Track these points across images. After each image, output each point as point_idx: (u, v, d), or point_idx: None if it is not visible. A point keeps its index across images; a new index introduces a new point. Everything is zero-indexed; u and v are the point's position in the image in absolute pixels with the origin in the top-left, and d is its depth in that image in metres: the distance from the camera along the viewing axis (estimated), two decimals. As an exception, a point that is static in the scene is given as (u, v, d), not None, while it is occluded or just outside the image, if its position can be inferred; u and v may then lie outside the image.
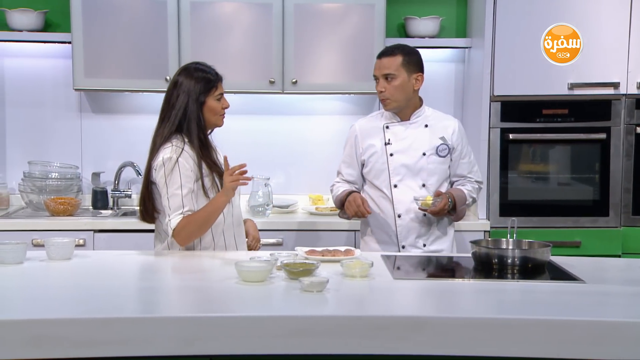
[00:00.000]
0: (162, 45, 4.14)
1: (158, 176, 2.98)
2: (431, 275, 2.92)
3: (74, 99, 4.48)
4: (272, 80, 4.20)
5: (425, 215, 3.33)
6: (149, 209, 3.07)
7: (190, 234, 2.95)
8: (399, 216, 3.37)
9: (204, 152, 3.02)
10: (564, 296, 2.45)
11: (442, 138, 3.37)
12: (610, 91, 4.13)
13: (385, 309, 2.36)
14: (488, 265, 2.81)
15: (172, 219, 2.94)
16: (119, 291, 2.50)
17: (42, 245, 2.93)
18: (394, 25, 4.54)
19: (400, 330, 2.13)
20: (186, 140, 3.01)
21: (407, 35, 4.47)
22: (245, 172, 2.95)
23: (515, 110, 4.17)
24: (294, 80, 4.21)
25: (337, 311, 2.30)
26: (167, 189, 2.95)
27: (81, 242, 3.88)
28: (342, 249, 2.96)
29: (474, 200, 3.46)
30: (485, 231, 4.10)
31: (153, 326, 2.11)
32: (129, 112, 4.44)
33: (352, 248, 3.00)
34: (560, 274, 2.74)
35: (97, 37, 4.13)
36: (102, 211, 4.33)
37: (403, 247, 3.38)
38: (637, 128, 4.15)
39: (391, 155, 3.37)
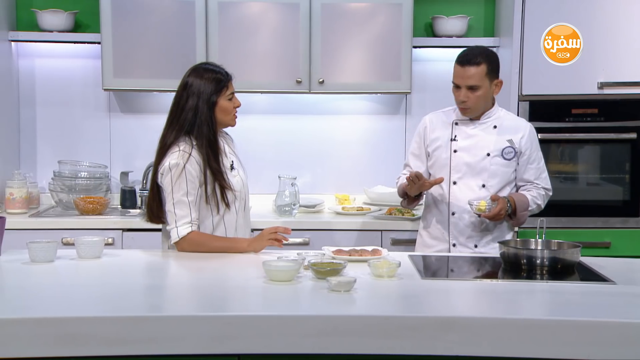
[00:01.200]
0: (190, 45, 4.16)
1: (165, 181, 2.99)
2: (459, 276, 2.90)
3: (103, 99, 4.52)
4: (299, 80, 4.21)
5: (479, 216, 3.28)
6: (155, 210, 3.08)
7: (194, 250, 2.97)
8: (453, 214, 3.34)
9: (212, 156, 2.99)
10: (594, 297, 2.43)
11: (510, 141, 3.31)
12: (641, 90, 4.08)
13: (413, 309, 2.36)
14: (516, 266, 2.79)
15: (180, 227, 2.95)
16: (148, 290, 2.52)
17: (72, 244, 2.96)
18: (422, 25, 4.52)
19: (430, 331, 2.12)
20: (194, 143, 2.99)
21: (434, 35, 4.45)
22: (287, 238, 2.97)
23: (544, 109, 4.13)
24: (320, 80, 4.21)
25: (365, 311, 2.29)
26: (172, 195, 2.96)
27: (110, 241, 3.91)
28: (370, 248, 2.95)
29: (539, 207, 3.36)
30: (513, 231, 4.06)
31: (182, 325, 2.12)
32: (157, 112, 4.46)
33: (380, 248, 2.99)
34: (590, 275, 2.71)
35: (126, 37, 4.16)
36: (131, 210, 4.36)
37: (454, 245, 3.35)
38: (668, 127, 4.11)
39: (455, 151, 3.34)
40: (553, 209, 4.12)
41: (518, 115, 4.11)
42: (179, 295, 2.50)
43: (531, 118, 4.12)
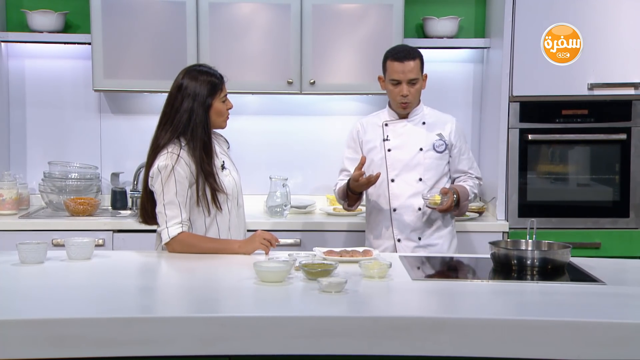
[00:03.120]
0: (181, 46, 4.16)
1: (155, 184, 2.99)
2: (450, 276, 2.91)
3: (93, 100, 4.51)
4: (290, 80, 4.21)
5: (419, 209, 3.40)
6: (149, 211, 3.08)
7: (185, 251, 2.97)
8: (395, 210, 3.44)
9: (205, 159, 3.00)
10: (584, 298, 2.44)
11: (440, 135, 3.45)
12: (630, 91, 4.09)
13: (404, 309, 2.36)
14: (507, 267, 2.80)
15: (170, 228, 2.95)
16: (139, 291, 2.52)
17: (62, 245, 2.95)
18: (412, 26, 4.53)
19: (420, 331, 2.13)
20: (183, 144, 2.99)
21: (425, 36, 4.46)
22: (274, 246, 2.98)
23: (534, 110, 4.14)
24: (311, 81, 4.21)
25: (356, 312, 2.30)
26: (163, 197, 2.96)
27: (100, 242, 3.90)
28: (361, 249, 2.96)
29: (476, 196, 3.54)
30: (504, 232, 4.08)
31: (173, 326, 2.12)
32: (148, 113, 4.46)
33: (371, 249, 2.99)
34: (580, 276, 2.72)
35: (116, 38, 4.15)
36: (121, 211, 4.35)
37: (399, 240, 3.44)
38: (658, 128, 4.13)
39: (389, 150, 3.46)
40: (543, 209, 4.15)
41: (508, 116, 4.14)
42: (170, 296, 2.50)
43: (521, 119, 4.13)
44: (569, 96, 4.12)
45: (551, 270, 2.76)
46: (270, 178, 4.21)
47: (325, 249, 2.92)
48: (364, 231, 4.02)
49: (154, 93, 4.32)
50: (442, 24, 4.38)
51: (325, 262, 2.67)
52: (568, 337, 2.12)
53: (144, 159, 4.48)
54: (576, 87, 4.10)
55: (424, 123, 3.48)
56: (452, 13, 4.45)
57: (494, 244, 2.90)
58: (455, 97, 4.55)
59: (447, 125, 3.49)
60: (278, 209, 4.15)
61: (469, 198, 3.45)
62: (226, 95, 3.09)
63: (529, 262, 2.77)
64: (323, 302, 2.31)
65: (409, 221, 3.43)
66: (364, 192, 3.49)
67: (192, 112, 3.00)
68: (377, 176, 3.27)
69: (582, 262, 2.91)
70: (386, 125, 3.49)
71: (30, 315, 2.15)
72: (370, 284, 2.54)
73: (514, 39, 4.09)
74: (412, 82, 3.37)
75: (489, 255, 2.90)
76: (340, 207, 4.33)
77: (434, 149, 3.44)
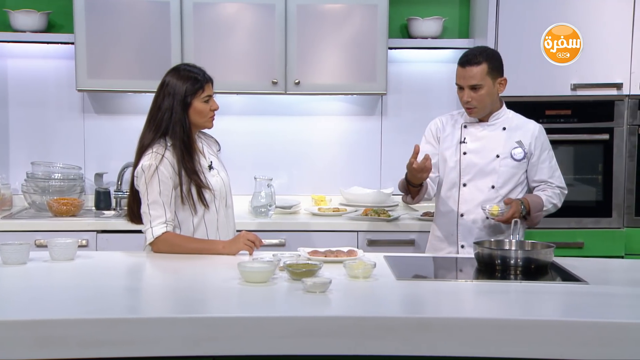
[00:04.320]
0: (165, 46, 4.14)
1: (140, 183, 2.99)
2: (434, 276, 2.92)
3: (76, 100, 4.49)
4: (275, 80, 4.21)
5: (488, 218, 3.28)
6: (135, 211, 3.08)
7: (169, 251, 2.96)
8: (462, 215, 3.34)
9: (186, 157, 2.99)
10: (567, 297, 2.45)
11: (519, 142, 3.32)
12: (613, 92, 4.12)
13: (388, 309, 2.36)
14: (491, 266, 2.81)
15: (155, 228, 2.94)
16: (123, 292, 2.50)
17: (45, 246, 2.93)
18: (397, 26, 4.54)
19: (404, 331, 2.13)
20: (168, 144, 2.99)
21: (409, 36, 4.47)
22: (258, 247, 2.97)
23: (518, 110, 4.13)
24: (296, 81, 4.21)
25: (340, 312, 2.30)
26: (147, 196, 2.96)
27: (84, 242, 3.88)
28: (345, 249, 2.96)
29: (555, 207, 3.37)
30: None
31: (157, 327, 2.11)
32: (131, 113, 4.44)
33: (355, 249, 2.99)
34: (564, 275, 2.74)
35: (100, 38, 4.13)
36: (105, 212, 4.33)
37: (462, 246, 3.35)
38: (640, 129, 4.16)
39: (464, 154, 3.34)
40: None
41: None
42: (155, 297, 2.49)
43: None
44: (552, 96, 4.14)
45: (535, 270, 2.77)
46: (255, 178, 4.20)
47: (310, 249, 2.92)
48: (348, 231, 4.04)
49: (138, 93, 4.30)
50: (427, 25, 4.39)
51: (309, 262, 2.67)
52: (551, 336, 2.13)
53: (128, 159, 4.49)
54: (559, 87, 4.12)
55: (504, 128, 3.34)
56: (437, 13, 4.47)
57: (478, 243, 2.91)
58: (439, 97, 4.56)
59: (529, 133, 3.33)
60: (263, 209, 4.14)
61: (545, 208, 3.29)
62: (210, 96, 3.07)
63: (512, 261, 2.78)
64: (307, 302, 2.31)
65: (475, 228, 3.33)
66: (427, 186, 3.32)
67: (172, 111, 3.00)
68: (427, 160, 3.08)
69: (565, 262, 2.93)
70: (465, 127, 3.37)
71: (13, 317, 2.13)
72: (355, 284, 2.54)
73: (498, 40, 4.11)
74: (474, 88, 3.23)
75: (473, 255, 2.91)
76: (325, 207, 4.35)
77: (512, 156, 3.30)
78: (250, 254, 2.96)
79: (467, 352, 2.14)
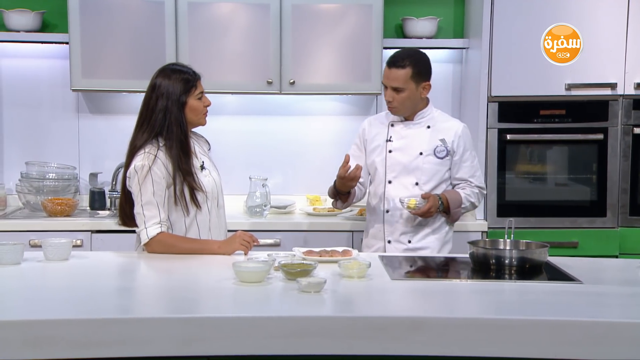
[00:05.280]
0: (160, 46, 4.14)
1: (133, 184, 2.98)
2: (429, 276, 2.92)
3: (71, 100, 4.48)
4: (270, 80, 4.20)
5: (411, 213, 3.35)
6: (128, 212, 3.07)
7: (164, 251, 2.96)
8: (387, 212, 3.42)
9: (183, 158, 2.99)
10: (561, 297, 2.46)
11: (442, 140, 3.38)
12: (607, 92, 4.13)
13: (382, 309, 2.36)
14: (486, 266, 2.81)
15: (149, 228, 2.94)
16: (117, 292, 2.50)
17: (40, 246, 2.92)
18: (392, 26, 4.54)
19: (398, 331, 2.13)
20: (161, 145, 2.99)
21: (404, 36, 4.47)
22: (252, 247, 2.97)
23: (512, 110, 4.17)
24: (291, 81, 4.21)
25: (335, 312, 2.30)
26: (140, 197, 2.95)
27: (78, 242, 3.87)
28: (340, 249, 2.96)
29: (474, 205, 3.45)
30: (482, 232, 4.10)
31: (150, 327, 2.11)
32: (126, 113, 4.43)
33: (350, 249, 3.00)
34: (558, 275, 2.74)
35: (94, 37, 4.12)
36: (100, 212, 4.32)
37: (389, 242, 3.42)
38: (635, 129, 4.16)
39: (390, 152, 3.41)
40: (521, 209, 4.18)
41: (487, 116, 4.16)
42: (148, 297, 2.49)
43: (500, 119, 4.16)
44: (547, 96, 4.15)
45: (529, 270, 2.78)
46: (250, 178, 4.20)
47: (305, 249, 2.92)
48: (343, 231, 4.04)
49: (133, 93, 4.29)
50: (422, 25, 4.39)
51: (304, 262, 2.67)
52: (545, 335, 2.13)
53: (122, 159, 4.45)
54: (554, 87, 4.13)
55: (428, 127, 3.40)
56: (431, 13, 4.47)
57: (472, 243, 2.92)
58: (434, 97, 4.48)
59: (452, 131, 3.40)
60: (258, 209, 4.14)
61: (463, 206, 3.37)
62: (202, 92, 3.08)
63: (507, 261, 2.78)
64: (302, 302, 2.31)
65: (400, 224, 3.40)
66: (355, 191, 3.45)
67: (167, 111, 2.99)
68: (358, 170, 3.24)
69: (560, 262, 2.93)
70: (392, 125, 3.45)
71: (6, 317, 2.13)
72: (350, 284, 2.54)
73: (493, 40, 4.12)
74: (396, 90, 3.29)
75: (467, 255, 2.91)
76: (320, 207, 4.35)
77: (435, 154, 3.37)
78: (246, 253, 2.95)
79: (461, 352, 2.14)
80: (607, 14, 4.11)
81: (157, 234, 2.94)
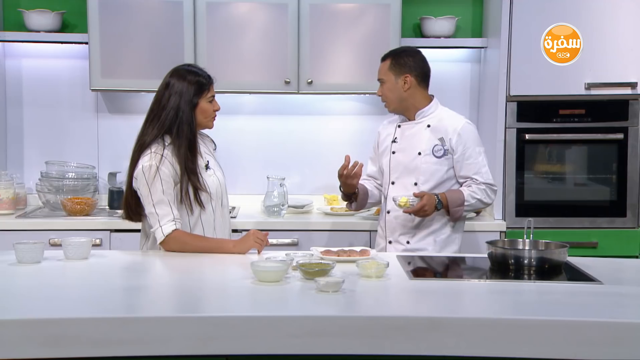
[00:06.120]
0: (178, 46, 4.15)
1: (140, 185, 2.99)
2: (447, 276, 2.91)
3: (90, 99, 4.50)
4: (288, 80, 4.21)
5: (410, 214, 3.33)
6: (133, 207, 3.08)
7: (180, 249, 2.97)
8: (388, 212, 3.44)
9: (190, 157, 3.01)
10: (581, 297, 2.44)
11: (441, 139, 3.38)
12: (627, 91, 4.10)
13: (401, 309, 2.36)
14: (504, 266, 2.80)
15: (164, 226, 2.95)
16: (136, 291, 2.51)
17: (59, 245, 2.94)
18: (410, 25, 4.53)
19: (417, 331, 2.13)
20: (167, 143, 3.01)
21: (422, 35, 4.46)
22: (267, 244, 3.01)
23: (531, 110, 4.15)
24: (309, 81, 4.21)
25: (353, 312, 2.30)
26: (151, 197, 2.96)
27: (98, 241, 3.90)
28: (358, 249, 2.96)
29: (482, 202, 3.38)
30: (501, 232, 4.08)
31: (169, 326, 2.12)
32: (145, 112, 4.40)
33: (368, 248, 2.99)
34: (578, 275, 2.72)
35: (113, 37, 4.15)
36: (119, 211, 4.31)
37: (390, 242, 3.45)
38: (655, 128, 4.13)
39: (393, 152, 3.45)
40: (540, 209, 4.16)
41: (506, 116, 4.14)
42: (166, 296, 2.50)
43: (518, 118, 4.14)
44: (566, 96, 4.12)
45: (548, 270, 2.76)
46: (267, 178, 4.21)
47: (323, 249, 2.92)
48: (361, 231, 4.04)
49: (151, 92, 4.25)
50: (440, 24, 4.38)
51: (322, 261, 2.67)
52: (565, 336, 2.12)
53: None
54: (573, 86, 4.10)
55: (428, 126, 3.40)
56: (450, 13, 4.46)
57: (491, 243, 2.90)
58: (452, 97, 4.53)
59: (451, 129, 3.37)
60: (275, 209, 4.15)
61: (466, 203, 3.33)
62: (213, 96, 3.10)
63: (526, 261, 2.77)
64: (320, 302, 2.31)
65: (399, 224, 3.41)
66: (366, 192, 3.50)
67: (179, 110, 3.02)
68: (356, 166, 3.29)
69: (579, 262, 2.91)
70: (399, 127, 3.48)
71: (26, 315, 2.14)
72: (368, 284, 2.54)
73: (511, 39, 4.10)
74: (380, 82, 3.42)
75: (486, 255, 2.90)
76: (338, 207, 4.35)
77: (433, 153, 3.37)
78: (259, 252, 2.96)
79: (480, 352, 2.13)
80: (628, 13, 4.07)
81: (173, 231, 2.95)
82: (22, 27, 4.34)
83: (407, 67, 3.39)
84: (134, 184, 3.03)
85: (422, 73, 3.42)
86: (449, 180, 3.41)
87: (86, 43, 4.21)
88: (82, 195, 4.23)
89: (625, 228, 4.15)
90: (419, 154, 3.39)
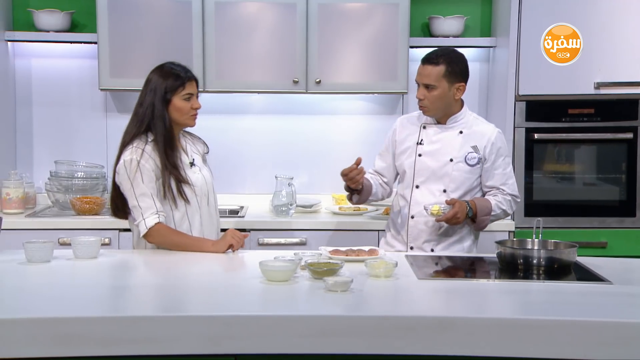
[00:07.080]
0: (187, 45, 4.16)
1: (122, 179, 3.00)
2: (456, 276, 2.90)
3: (99, 99, 4.52)
4: (296, 80, 4.21)
5: (436, 220, 3.25)
6: (120, 205, 3.09)
7: (160, 244, 3.00)
8: (412, 217, 3.33)
9: (168, 151, 3.02)
10: (590, 297, 2.43)
11: (474, 147, 3.28)
12: (637, 90, 4.09)
13: (410, 309, 2.36)
14: (513, 266, 2.80)
15: (147, 219, 2.96)
16: (145, 290, 2.52)
17: (69, 244, 2.95)
18: (418, 25, 4.52)
19: (426, 331, 2.12)
20: (150, 139, 3.02)
21: (431, 35, 4.45)
22: (243, 244, 3.02)
23: (540, 109, 4.14)
24: (317, 80, 4.21)
25: (362, 311, 2.29)
26: (134, 191, 2.97)
27: (107, 241, 3.91)
28: (366, 248, 2.95)
29: (505, 213, 3.32)
30: (510, 231, 4.08)
31: (179, 325, 2.12)
32: (153, 112, 4.46)
33: (376, 248, 2.99)
34: (587, 275, 2.72)
35: (122, 37, 4.16)
36: (127, 210, 4.35)
37: (411, 248, 3.34)
38: (665, 128, 4.11)
39: (419, 155, 3.33)
40: (549, 209, 4.15)
41: (515, 115, 4.13)
42: (176, 295, 2.50)
43: (528, 118, 4.13)
44: (575, 95, 4.11)
45: (557, 270, 2.75)
46: (275, 177, 4.21)
47: (331, 248, 2.92)
48: (370, 230, 4.04)
49: (160, 92, 4.31)
50: (448, 23, 4.37)
51: (331, 261, 2.67)
52: (574, 336, 2.11)
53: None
54: (583, 86, 4.09)
55: (461, 132, 3.29)
56: (458, 12, 4.45)
57: (500, 243, 2.90)
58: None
59: (485, 138, 3.27)
60: (284, 208, 4.15)
61: (493, 213, 3.24)
62: (191, 94, 3.07)
63: (535, 261, 2.76)
64: (329, 302, 2.31)
65: (424, 231, 3.30)
66: (371, 187, 3.39)
67: (154, 107, 3.03)
68: (358, 162, 3.22)
69: (589, 262, 2.90)
70: (424, 128, 3.34)
71: (36, 314, 2.15)
72: (376, 283, 2.54)
73: (520, 38, 4.09)
74: (428, 88, 3.20)
75: (495, 255, 2.90)
76: (346, 206, 4.35)
77: (466, 161, 3.26)
78: (234, 249, 2.97)
79: (489, 352, 2.13)
80: (636, 12, 4.05)
81: (155, 223, 2.96)
82: (31, 27, 4.36)
83: (462, 74, 3.24)
84: (116, 179, 3.04)
85: (468, 79, 3.30)
86: (476, 188, 3.32)
87: (95, 43, 4.22)
88: (91, 194, 4.25)
89: (635, 228, 4.14)
90: (451, 160, 3.27)
